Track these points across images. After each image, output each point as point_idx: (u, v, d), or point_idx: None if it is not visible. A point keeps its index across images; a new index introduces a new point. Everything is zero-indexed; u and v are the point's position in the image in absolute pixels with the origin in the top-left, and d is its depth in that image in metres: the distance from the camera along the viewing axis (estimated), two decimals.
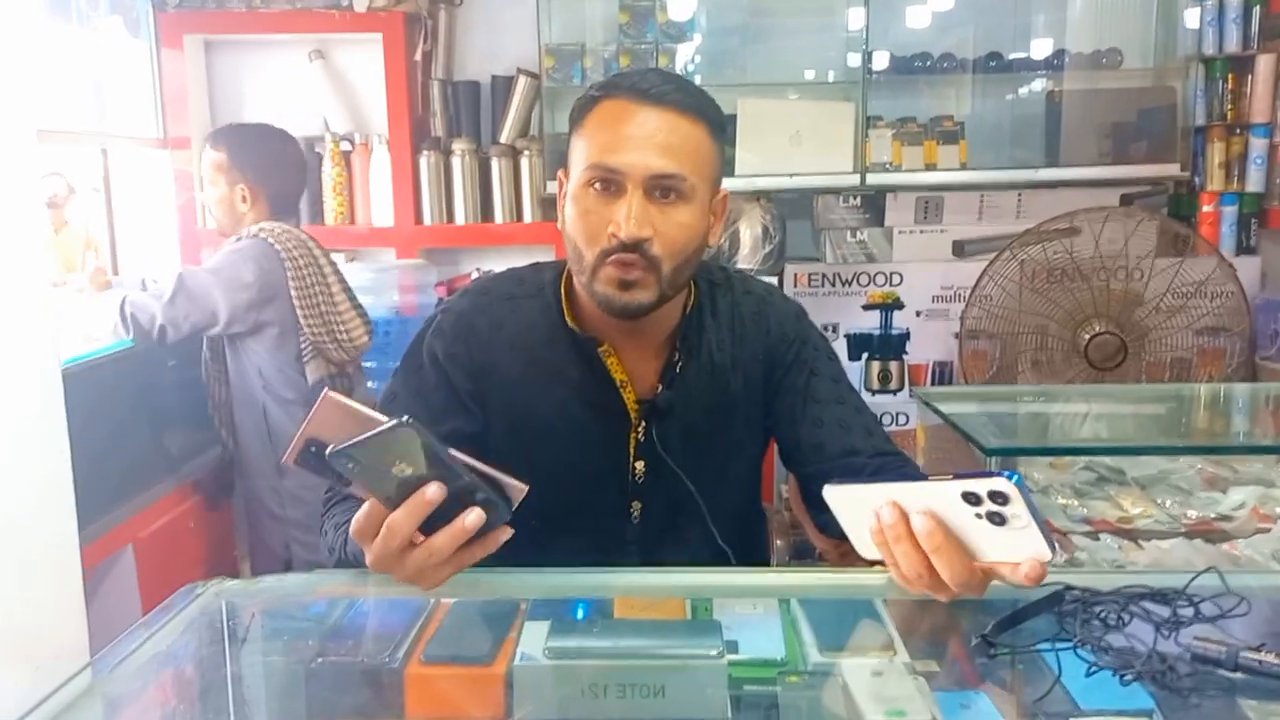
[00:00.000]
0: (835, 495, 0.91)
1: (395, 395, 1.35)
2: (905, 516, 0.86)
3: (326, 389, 0.85)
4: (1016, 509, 0.79)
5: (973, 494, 0.80)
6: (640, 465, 1.33)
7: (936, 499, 0.84)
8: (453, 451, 0.90)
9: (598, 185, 1.19)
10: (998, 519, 0.80)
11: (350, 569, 1.12)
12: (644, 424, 1.32)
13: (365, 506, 0.92)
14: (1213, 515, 1.82)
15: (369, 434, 0.85)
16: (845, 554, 2.22)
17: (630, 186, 1.18)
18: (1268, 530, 1.72)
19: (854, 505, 0.91)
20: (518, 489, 0.93)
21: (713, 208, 1.27)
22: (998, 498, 0.79)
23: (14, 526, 0.76)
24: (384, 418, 0.86)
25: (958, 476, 0.82)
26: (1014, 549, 0.81)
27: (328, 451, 0.84)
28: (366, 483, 0.89)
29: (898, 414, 3.34)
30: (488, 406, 1.33)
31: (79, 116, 3.01)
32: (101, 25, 3.08)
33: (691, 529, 1.35)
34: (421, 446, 0.87)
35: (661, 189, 1.18)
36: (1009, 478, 0.78)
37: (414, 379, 1.34)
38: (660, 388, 1.32)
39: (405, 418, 0.85)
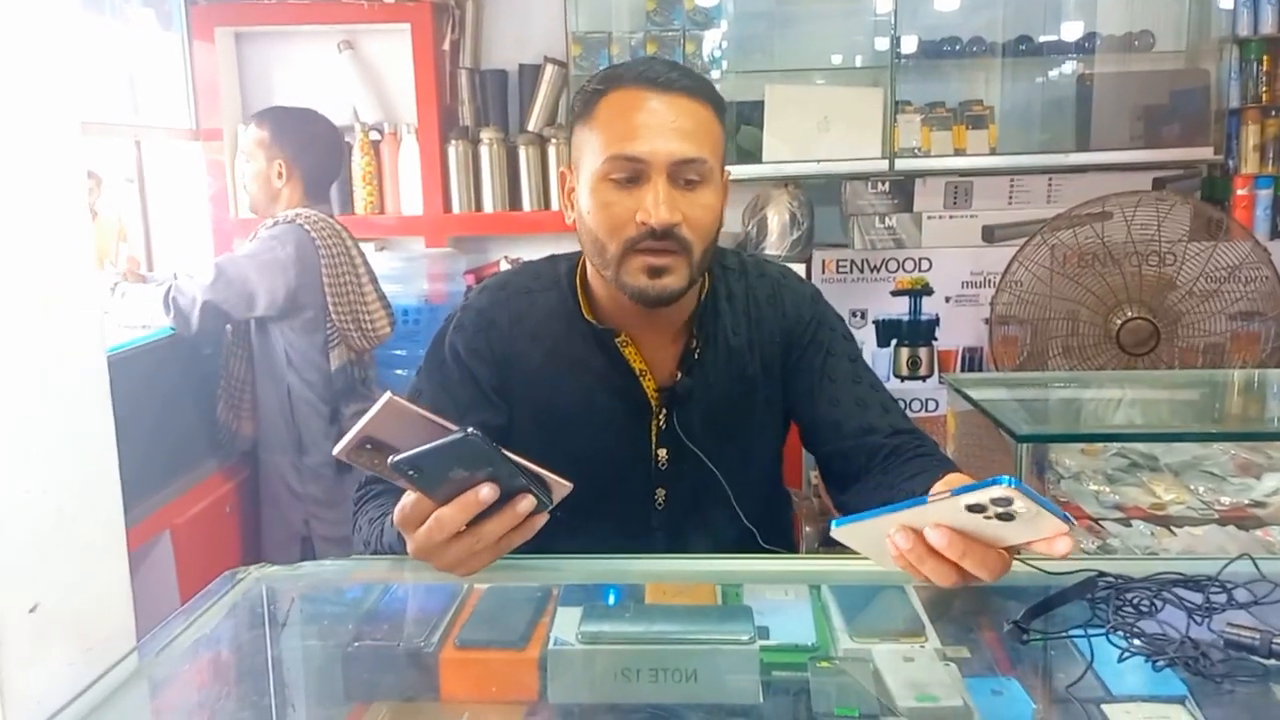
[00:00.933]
0: (844, 533, 0.92)
1: (420, 392, 1.36)
2: (920, 536, 0.86)
3: (389, 392, 0.86)
4: (1022, 505, 0.80)
5: (977, 505, 0.81)
6: (663, 452, 1.35)
7: (943, 517, 0.85)
8: (505, 452, 0.91)
9: (617, 176, 1.20)
10: (1008, 517, 0.81)
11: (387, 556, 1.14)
12: (664, 411, 1.34)
13: (412, 497, 0.94)
14: (1246, 501, 1.81)
15: (433, 444, 0.87)
16: None
17: (654, 174, 1.19)
18: None
19: (864, 536, 0.92)
20: (562, 486, 0.95)
21: (723, 192, 1.29)
22: (1001, 503, 0.80)
23: (63, 512, 0.78)
24: (444, 423, 0.88)
25: (955, 494, 0.82)
26: (1033, 533, 0.82)
27: (390, 461, 0.86)
28: (421, 484, 0.90)
29: (927, 400, 3.33)
30: (511, 399, 1.35)
31: (113, 109, 3.05)
32: (134, 18, 3.11)
33: (716, 512, 1.37)
34: (483, 455, 0.89)
35: (684, 174, 1.20)
36: (1006, 483, 0.78)
37: (438, 375, 1.36)
38: (679, 375, 1.33)
39: (469, 430, 0.87)
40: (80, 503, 0.80)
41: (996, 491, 0.79)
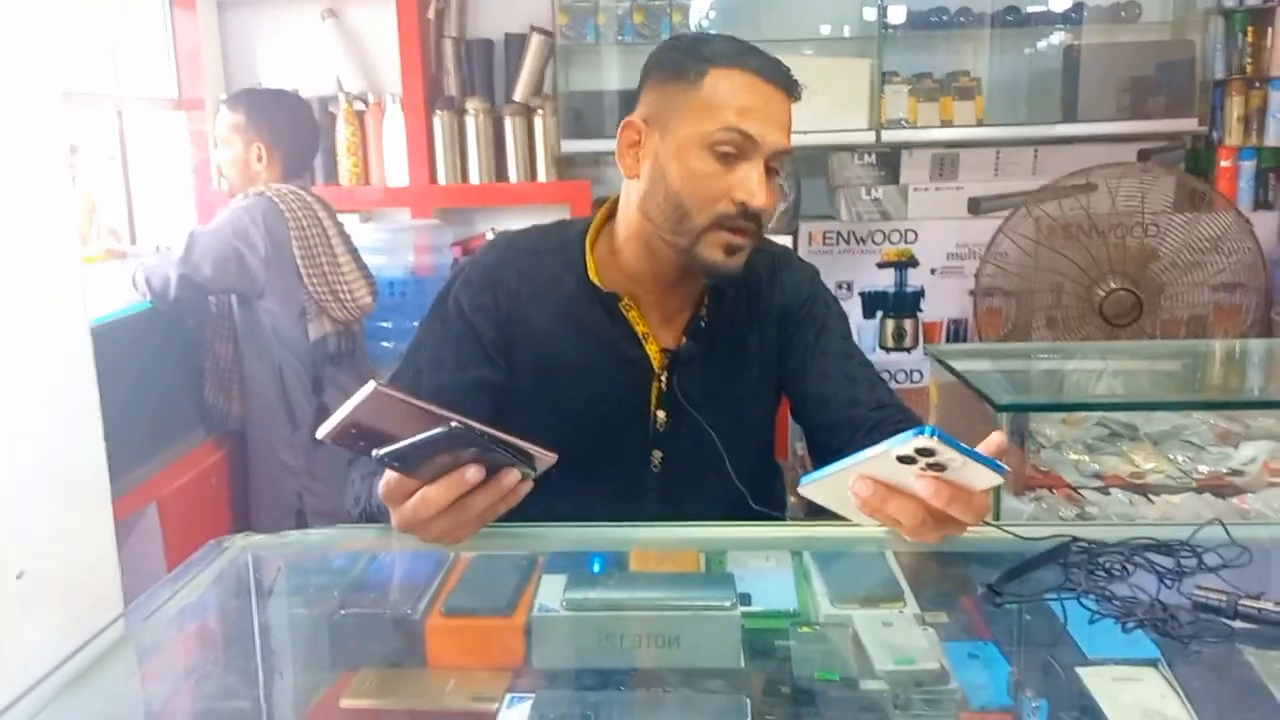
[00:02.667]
0: (810, 489, 0.95)
1: (421, 344, 1.38)
2: (878, 482, 0.88)
3: (374, 381, 0.86)
4: (947, 455, 0.82)
5: (905, 456, 0.83)
6: (662, 415, 1.37)
7: (883, 467, 0.87)
8: (491, 431, 0.92)
9: (724, 148, 1.22)
10: (939, 467, 0.83)
11: (373, 524, 1.15)
12: (666, 374, 1.36)
13: (395, 475, 0.95)
14: (1224, 470, 1.83)
15: (416, 439, 0.87)
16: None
17: (757, 156, 1.22)
18: (1279, 484, 1.73)
19: (829, 491, 0.94)
20: (545, 458, 0.96)
21: None
22: (925, 453, 0.82)
23: (48, 479, 0.79)
24: (430, 408, 0.88)
25: (885, 446, 0.84)
26: (966, 483, 0.84)
27: (375, 454, 0.87)
28: (407, 471, 0.91)
29: (912, 371, 3.35)
30: (513, 356, 1.36)
31: (94, 78, 3.02)
32: None
33: (710, 477, 1.38)
34: (468, 442, 0.90)
35: (775, 164, 1.25)
36: (926, 433, 0.80)
37: (440, 328, 1.37)
38: (684, 339, 1.36)
39: (452, 423, 0.87)
40: (65, 470, 0.80)
41: (919, 442, 0.81)
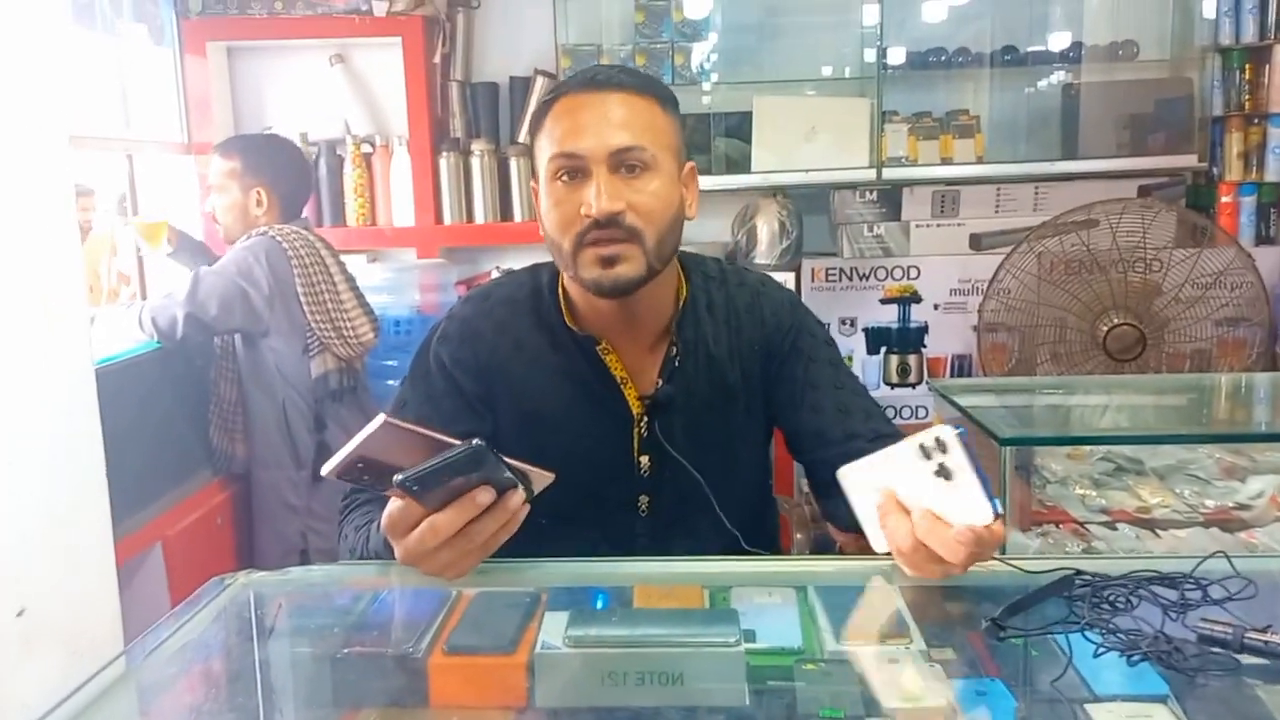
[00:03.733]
0: (849, 479, 0.98)
1: (405, 402, 1.38)
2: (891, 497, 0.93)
3: (384, 415, 0.87)
4: (957, 460, 0.85)
5: (923, 446, 0.88)
6: (645, 460, 1.36)
7: (903, 458, 0.91)
8: (496, 453, 0.93)
9: (564, 176, 1.22)
10: (945, 473, 0.86)
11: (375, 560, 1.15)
12: (646, 419, 1.35)
13: (399, 505, 0.95)
14: (1231, 504, 1.82)
15: (441, 460, 0.88)
16: (865, 547, 2.23)
17: (594, 167, 1.21)
18: None
19: (862, 488, 0.97)
20: (543, 477, 0.97)
21: (682, 180, 1.31)
22: (940, 445, 0.86)
23: (51, 518, 0.79)
24: (440, 437, 0.89)
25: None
26: (960, 509, 0.86)
27: (396, 479, 0.87)
28: (421, 496, 0.91)
29: (917, 407, 3.34)
30: (496, 408, 1.36)
31: (105, 123, 3.05)
32: (126, 33, 3.12)
33: (700, 519, 1.37)
34: (487, 463, 0.90)
35: (626, 165, 1.22)
36: (951, 428, 0.85)
37: (422, 385, 1.37)
38: (660, 382, 1.34)
39: (475, 441, 0.89)
40: (68, 509, 0.81)
41: (939, 431, 0.84)
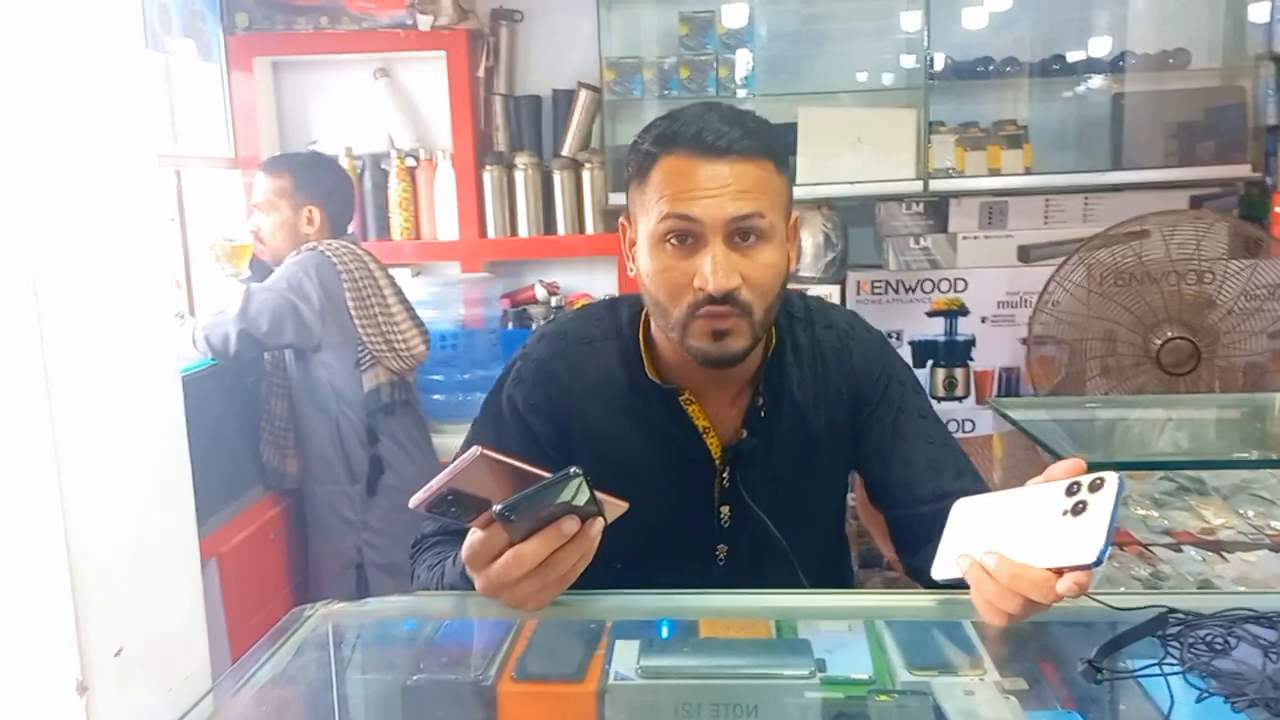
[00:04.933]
0: (961, 506, 1.00)
1: (476, 443, 1.34)
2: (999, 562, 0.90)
3: (480, 447, 0.87)
4: (1102, 502, 0.82)
5: (1076, 484, 0.86)
6: (725, 510, 1.33)
7: (1041, 496, 0.89)
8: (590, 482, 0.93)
9: (674, 239, 1.17)
10: (1080, 510, 0.84)
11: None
12: (728, 470, 1.31)
13: (482, 535, 0.94)
14: None
15: (541, 486, 0.88)
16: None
17: (710, 236, 1.16)
18: None
19: (967, 517, 0.98)
20: (616, 507, 0.96)
21: (788, 233, 1.25)
22: (1096, 485, 0.84)
23: (144, 555, 0.80)
24: (533, 469, 0.89)
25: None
26: (1070, 547, 0.83)
27: (496, 509, 0.87)
28: (514, 525, 0.91)
29: (964, 421, 3.31)
30: (570, 453, 1.31)
31: (155, 139, 3.09)
32: (174, 49, 3.16)
33: (777, 570, 1.34)
34: (582, 492, 0.90)
35: (741, 232, 1.17)
36: (1118, 481, 0.83)
37: (494, 428, 1.34)
38: (744, 433, 1.31)
39: (573, 469, 0.89)
40: (159, 544, 0.81)
41: (1103, 474, 0.83)
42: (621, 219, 1.30)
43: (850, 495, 2.87)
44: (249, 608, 2.40)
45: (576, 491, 0.90)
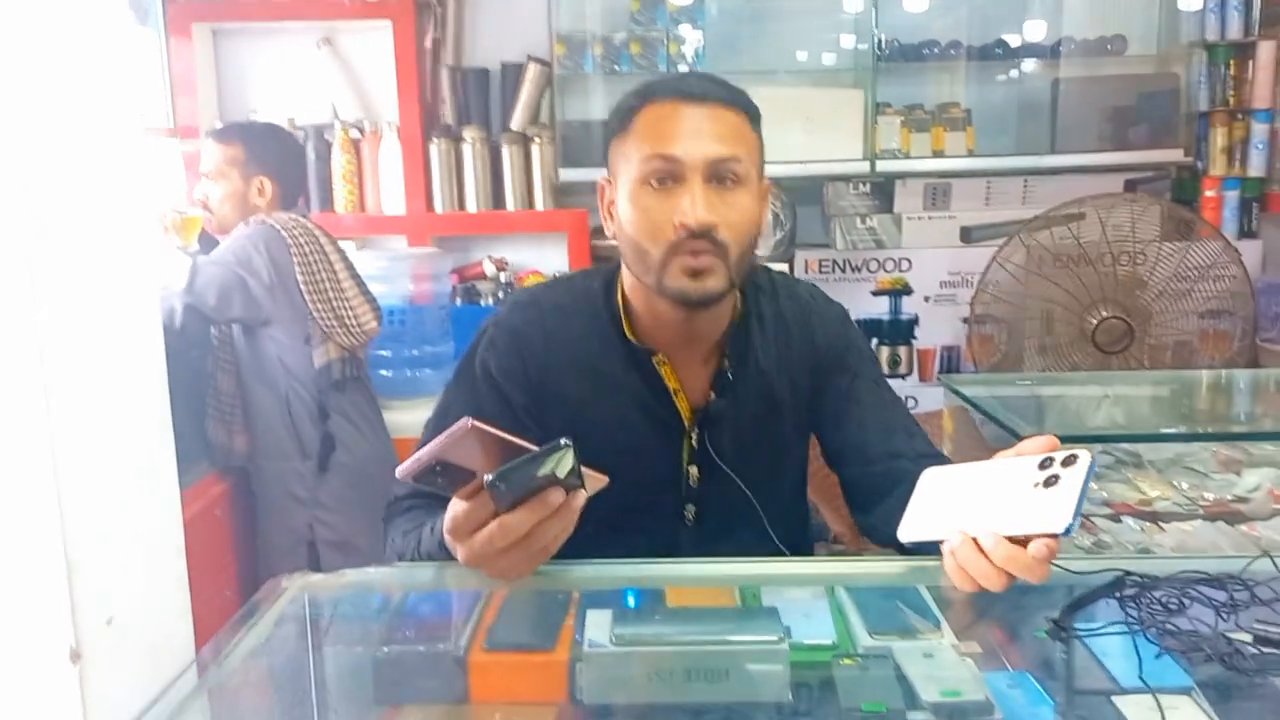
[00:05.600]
0: (929, 475, 1.02)
1: (449, 409, 1.35)
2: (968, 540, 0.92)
3: (470, 419, 0.87)
4: (1074, 475, 0.85)
5: (1049, 458, 0.88)
6: (694, 470, 1.36)
7: (1014, 468, 0.91)
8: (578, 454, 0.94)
9: (655, 181, 1.21)
10: (1052, 482, 0.86)
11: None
12: (697, 431, 1.35)
13: (465, 506, 0.95)
14: (1229, 497, 1.86)
15: (531, 457, 0.89)
16: (860, 535, 2.25)
17: (690, 175, 1.20)
18: None
19: (937, 485, 1.00)
20: (597, 480, 0.98)
21: (761, 197, 1.30)
22: (1069, 460, 0.86)
23: (132, 524, 0.79)
24: (521, 442, 0.90)
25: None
26: (1040, 516, 0.86)
27: (487, 479, 0.87)
28: (502, 497, 0.92)
29: (906, 398, 3.36)
30: (544, 419, 1.34)
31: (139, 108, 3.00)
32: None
33: (745, 531, 1.38)
34: (570, 463, 0.91)
35: (719, 176, 1.21)
36: (1088, 460, 0.85)
37: (468, 394, 1.34)
38: (712, 395, 1.34)
39: (563, 440, 0.89)
40: (148, 515, 0.81)
41: (1076, 449, 0.86)
42: (600, 180, 1.33)
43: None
44: (196, 586, 2.36)
45: (565, 464, 0.91)
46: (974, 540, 0.91)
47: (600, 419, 1.33)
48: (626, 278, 1.33)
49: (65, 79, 0.79)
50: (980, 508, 0.92)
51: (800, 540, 1.48)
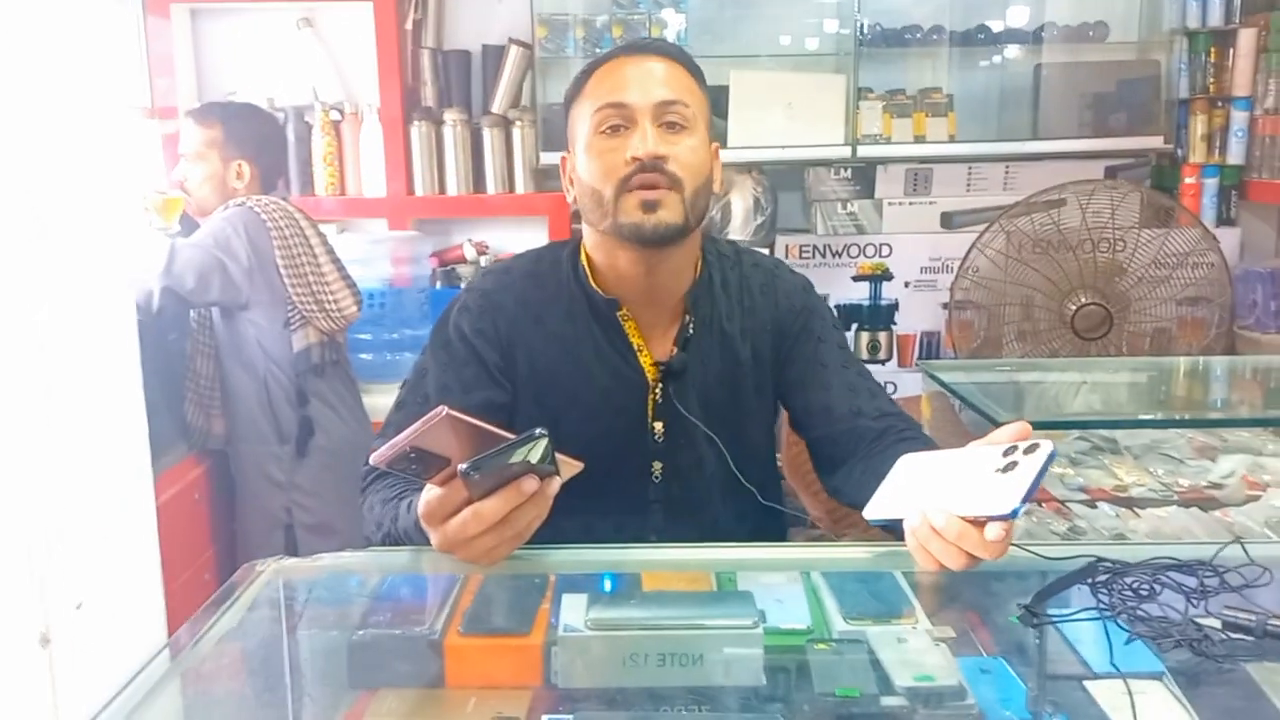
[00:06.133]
0: (905, 460, 1.04)
1: (425, 372, 1.40)
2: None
3: (445, 408, 0.87)
4: (1031, 463, 0.87)
5: (1014, 446, 0.91)
6: (660, 426, 1.40)
7: (981, 454, 0.94)
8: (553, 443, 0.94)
9: (608, 128, 1.28)
10: (1011, 467, 0.89)
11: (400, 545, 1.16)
12: (661, 385, 1.39)
13: (439, 492, 0.95)
14: (1204, 483, 1.88)
15: (507, 446, 0.89)
16: (838, 520, 2.26)
17: (640, 118, 1.27)
18: (1258, 498, 1.78)
19: (909, 468, 1.03)
20: (572, 466, 0.98)
21: (711, 152, 1.36)
22: (1031, 448, 0.89)
23: (102, 510, 0.79)
24: (497, 430, 0.90)
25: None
26: (991, 498, 0.89)
27: (462, 467, 0.88)
28: (477, 484, 0.92)
29: (886, 383, 3.38)
30: (515, 379, 1.39)
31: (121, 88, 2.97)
32: None
33: (712, 485, 1.42)
34: (544, 451, 0.91)
35: (668, 121, 1.28)
36: (1050, 450, 0.88)
37: (443, 354, 1.40)
38: (675, 351, 1.39)
39: (539, 429, 0.90)
40: (119, 501, 0.80)
41: (1038, 440, 0.89)
42: (562, 156, 1.40)
43: (779, 456, 2.93)
44: (174, 570, 2.35)
45: (539, 452, 0.91)
46: (930, 522, 0.93)
47: (567, 377, 1.38)
48: (588, 235, 1.38)
49: (41, 59, 0.79)
50: (941, 489, 0.95)
51: (773, 494, 1.51)
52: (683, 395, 1.39)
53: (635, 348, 1.39)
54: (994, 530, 0.87)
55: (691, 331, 1.39)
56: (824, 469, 1.44)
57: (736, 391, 1.43)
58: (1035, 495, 0.87)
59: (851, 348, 3.24)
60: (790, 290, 1.47)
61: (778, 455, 3.04)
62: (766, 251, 3.25)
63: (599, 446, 1.31)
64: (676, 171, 1.28)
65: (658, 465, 1.42)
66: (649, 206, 1.27)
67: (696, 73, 1.36)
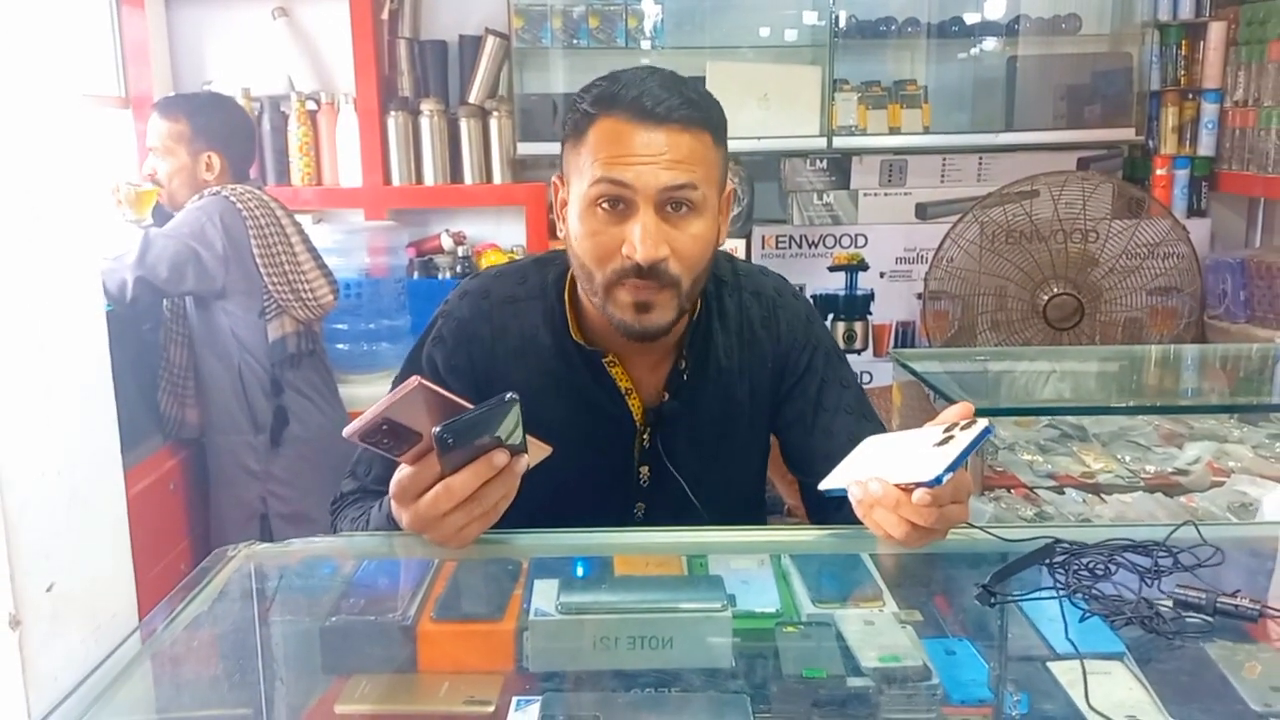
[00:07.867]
0: (868, 441, 1.13)
1: None
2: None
3: (418, 378, 0.88)
4: (962, 439, 0.93)
5: (955, 424, 0.97)
6: (645, 470, 1.34)
7: (927, 433, 1.00)
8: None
9: (606, 204, 1.16)
10: (946, 441, 0.95)
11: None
12: (649, 431, 1.32)
13: (411, 471, 0.96)
14: (1170, 470, 1.91)
15: (481, 410, 0.90)
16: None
17: (641, 203, 1.15)
18: (1222, 484, 1.82)
19: (867, 448, 1.11)
20: (541, 449, 1.00)
21: (720, 205, 1.25)
22: (967, 425, 0.95)
23: (74, 493, 0.79)
24: (467, 404, 0.91)
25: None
26: (921, 467, 0.94)
27: (436, 430, 0.88)
28: (449, 453, 0.92)
29: (862, 373, 3.42)
30: None
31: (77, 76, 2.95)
32: None
33: (696, 522, 1.35)
34: (517, 423, 0.93)
35: (673, 202, 1.16)
36: (987, 428, 0.95)
37: None
38: (666, 396, 1.31)
39: (509, 394, 0.91)
40: (89, 483, 0.81)
41: (980, 419, 0.95)
42: (554, 178, 1.29)
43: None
44: (149, 559, 2.35)
45: (513, 421, 0.92)
46: (867, 489, 0.98)
47: (549, 415, 1.26)
48: (578, 283, 1.28)
49: (9, 46, 0.79)
50: (881, 464, 1.01)
51: (757, 519, 1.49)
52: (671, 441, 1.32)
53: (624, 391, 1.30)
54: (919, 494, 0.92)
55: (685, 377, 1.31)
56: (816, 514, 1.39)
57: (730, 431, 1.36)
58: (964, 464, 0.93)
59: None
60: (793, 323, 1.37)
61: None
62: (743, 243, 3.27)
63: (580, 484, 1.28)
64: (676, 271, 1.17)
65: (641, 506, 1.36)
66: (642, 308, 1.18)
67: (716, 129, 1.20)
